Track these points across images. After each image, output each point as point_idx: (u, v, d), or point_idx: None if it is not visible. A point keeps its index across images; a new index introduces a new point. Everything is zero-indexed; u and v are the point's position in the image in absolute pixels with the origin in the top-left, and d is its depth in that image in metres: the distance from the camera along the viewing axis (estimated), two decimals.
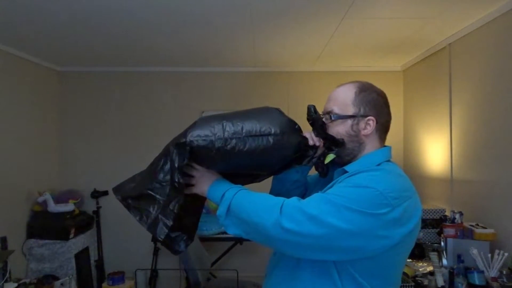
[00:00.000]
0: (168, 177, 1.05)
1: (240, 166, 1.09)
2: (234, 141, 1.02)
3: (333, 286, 0.96)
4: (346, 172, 1.04)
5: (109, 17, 2.35)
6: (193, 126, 1.07)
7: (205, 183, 1.09)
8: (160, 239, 1.05)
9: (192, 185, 1.11)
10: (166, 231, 1.04)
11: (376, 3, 2.16)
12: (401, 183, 0.97)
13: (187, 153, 1.03)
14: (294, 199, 0.95)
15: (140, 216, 1.06)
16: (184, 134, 1.05)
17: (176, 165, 1.03)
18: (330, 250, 0.91)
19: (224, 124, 1.04)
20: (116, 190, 1.14)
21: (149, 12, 2.27)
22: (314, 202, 0.92)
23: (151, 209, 1.05)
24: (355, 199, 0.89)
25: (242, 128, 1.04)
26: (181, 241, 1.07)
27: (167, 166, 1.05)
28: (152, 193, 1.05)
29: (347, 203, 0.89)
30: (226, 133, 1.03)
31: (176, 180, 1.04)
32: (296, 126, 1.09)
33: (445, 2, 2.15)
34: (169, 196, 1.05)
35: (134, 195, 1.09)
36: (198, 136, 1.02)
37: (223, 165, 1.07)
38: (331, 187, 1.00)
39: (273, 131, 1.03)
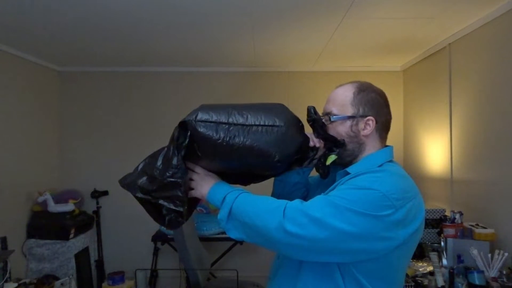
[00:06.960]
0: (180, 156, 1.04)
1: (241, 162, 1.04)
2: (238, 129, 1.00)
3: None
4: (348, 173, 1.03)
5: (109, 17, 2.34)
6: (198, 109, 1.04)
7: (205, 186, 1.07)
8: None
9: (192, 189, 1.09)
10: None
11: (376, 3, 2.16)
12: (404, 184, 0.97)
13: (188, 133, 1.01)
14: (297, 201, 0.94)
15: (174, 203, 1.04)
16: (189, 114, 1.03)
17: (178, 142, 1.02)
18: (334, 252, 0.90)
19: (230, 111, 1.02)
20: (129, 186, 1.10)
21: (149, 12, 2.27)
22: (317, 205, 0.91)
23: (179, 193, 1.03)
24: (358, 201, 0.89)
25: (247, 118, 1.01)
26: (175, 221, 1.07)
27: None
28: (173, 179, 1.03)
29: (350, 205, 0.88)
30: (230, 120, 1.00)
31: (180, 156, 1.03)
32: (300, 124, 1.08)
33: (445, 2, 2.15)
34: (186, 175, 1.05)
35: (154, 188, 1.06)
36: (201, 117, 1.00)
37: (224, 158, 1.03)
38: (333, 189, 0.99)
39: (277, 123, 1.01)
